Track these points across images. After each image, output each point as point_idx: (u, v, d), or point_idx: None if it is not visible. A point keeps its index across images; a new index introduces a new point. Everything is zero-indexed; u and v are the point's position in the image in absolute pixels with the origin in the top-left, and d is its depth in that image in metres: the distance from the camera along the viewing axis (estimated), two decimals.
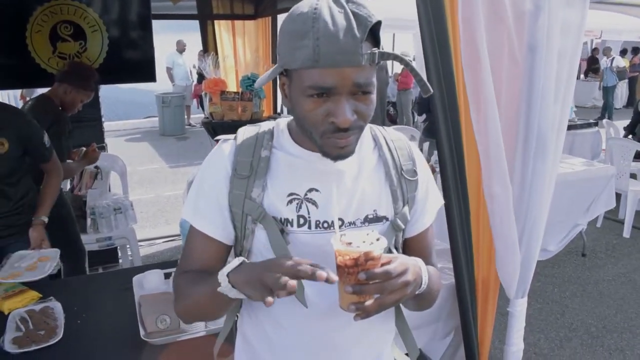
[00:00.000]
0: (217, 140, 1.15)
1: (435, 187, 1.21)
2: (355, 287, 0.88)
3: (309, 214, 1.05)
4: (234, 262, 0.95)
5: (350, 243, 0.89)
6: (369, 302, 0.90)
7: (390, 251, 1.12)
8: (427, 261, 1.19)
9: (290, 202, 1.05)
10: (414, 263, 1.00)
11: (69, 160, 3.10)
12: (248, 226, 1.06)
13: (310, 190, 1.05)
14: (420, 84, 0.98)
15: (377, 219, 1.10)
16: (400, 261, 0.94)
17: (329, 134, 0.95)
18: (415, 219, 1.17)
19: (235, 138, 1.10)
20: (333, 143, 0.96)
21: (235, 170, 1.06)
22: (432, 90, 1.00)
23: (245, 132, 1.11)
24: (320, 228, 1.05)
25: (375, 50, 0.91)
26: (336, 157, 0.99)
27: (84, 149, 3.28)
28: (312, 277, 0.85)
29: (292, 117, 1.07)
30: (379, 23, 0.91)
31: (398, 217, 1.12)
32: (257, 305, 1.14)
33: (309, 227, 1.05)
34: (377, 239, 0.91)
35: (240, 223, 1.07)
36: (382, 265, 0.91)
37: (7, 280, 1.92)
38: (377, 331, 1.20)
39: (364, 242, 0.90)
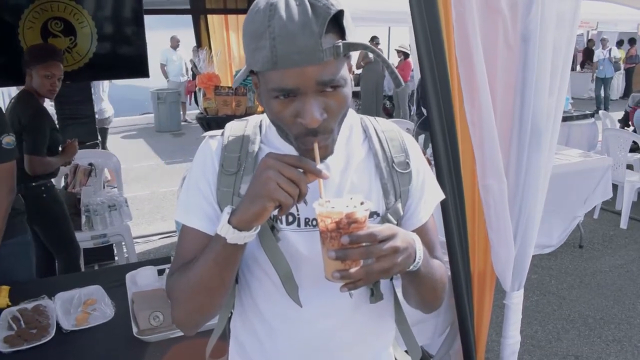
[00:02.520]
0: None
1: (433, 180, 1.15)
2: (338, 252, 0.83)
3: (297, 211, 1.01)
4: (226, 210, 0.90)
5: (333, 208, 0.85)
6: (353, 270, 0.84)
7: None
8: (430, 256, 1.15)
9: None
10: (406, 232, 0.93)
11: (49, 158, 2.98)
12: None
13: None
14: (392, 75, 0.94)
15: None
16: (388, 225, 0.89)
17: (299, 136, 0.91)
18: (410, 214, 1.10)
19: (222, 134, 1.07)
20: (304, 147, 0.92)
21: (222, 167, 1.02)
22: (403, 84, 0.96)
23: (233, 128, 1.08)
24: (309, 226, 1.02)
25: (339, 42, 0.85)
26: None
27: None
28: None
29: None
30: (341, 12, 0.85)
31: (389, 212, 1.06)
32: (248, 307, 1.11)
33: (298, 225, 1.02)
34: (361, 203, 0.86)
35: None
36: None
37: (80, 327, 1.86)
38: (374, 332, 1.16)
39: (347, 206, 0.85)
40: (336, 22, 0.86)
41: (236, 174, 1.02)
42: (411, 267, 0.94)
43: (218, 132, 1.09)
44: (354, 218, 0.84)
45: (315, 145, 0.90)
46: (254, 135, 1.05)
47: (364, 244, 0.84)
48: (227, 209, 0.90)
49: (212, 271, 0.94)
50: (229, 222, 0.88)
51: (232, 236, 0.88)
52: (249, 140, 1.05)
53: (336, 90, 0.89)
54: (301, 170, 0.85)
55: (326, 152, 0.95)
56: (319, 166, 0.89)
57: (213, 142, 1.07)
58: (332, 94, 0.89)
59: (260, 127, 1.08)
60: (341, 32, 0.87)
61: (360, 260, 0.85)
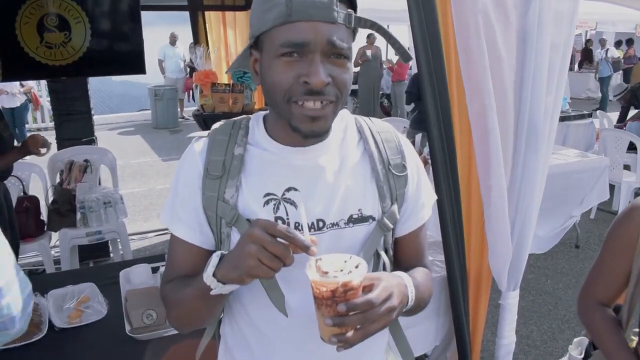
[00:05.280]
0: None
1: (427, 181, 1.13)
2: (335, 320, 0.81)
3: (287, 215, 0.98)
4: (213, 260, 0.90)
5: (326, 272, 0.82)
6: (350, 333, 0.83)
7: (378, 254, 1.06)
8: (419, 262, 1.14)
9: (267, 202, 0.98)
10: (399, 282, 0.93)
11: None
12: (223, 230, 1.00)
13: (289, 189, 0.98)
14: (400, 51, 0.94)
15: (362, 219, 1.02)
16: (383, 286, 0.86)
17: (299, 96, 0.88)
18: (406, 218, 1.08)
19: (208, 135, 1.04)
20: (303, 112, 0.89)
21: (207, 171, 0.99)
22: (412, 57, 0.97)
23: (219, 129, 1.04)
24: (299, 230, 0.97)
25: (352, 12, 0.88)
26: (307, 133, 0.91)
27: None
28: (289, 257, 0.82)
29: (269, 110, 1.01)
30: None
31: (386, 217, 1.03)
32: (237, 312, 1.09)
33: None
34: (357, 266, 0.83)
35: (215, 227, 1.00)
36: (364, 289, 0.84)
37: (72, 324, 1.86)
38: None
39: (341, 270, 0.82)
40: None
41: (220, 177, 0.99)
42: (403, 310, 0.95)
43: (204, 133, 1.06)
44: (350, 286, 0.81)
45: (303, 210, 0.88)
46: (240, 136, 1.02)
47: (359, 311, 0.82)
48: (214, 259, 0.90)
49: (198, 304, 0.97)
50: (214, 274, 0.88)
51: (216, 289, 0.89)
52: (235, 141, 1.01)
53: (342, 59, 0.89)
54: (287, 243, 0.83)
55: (321, 126, 0.92)
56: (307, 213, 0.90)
57: (198, 144, 1.04)
58: (338, 62, 0.89)
59: (247, 127, 1.04)
60: (352, 7, 0.90)
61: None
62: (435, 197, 1.16)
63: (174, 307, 1.02)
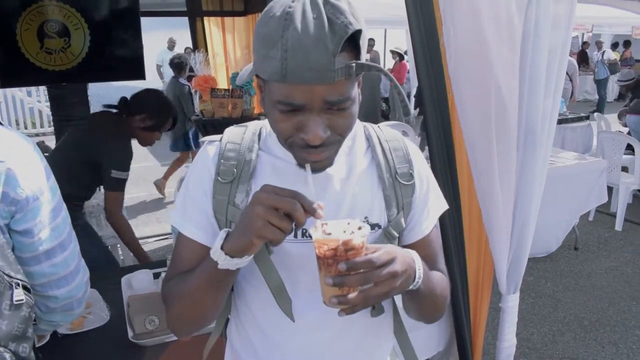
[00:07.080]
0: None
1: (436, 190, 1.13)
2: (335, 279, 0.82)
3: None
4: (221, 235, 0.89)
5: (330, 234, 0.83)
6: (352, 295, 0.83)
7: None
8: (432, 268, 1.12)
9: None
10: (405, 253, 0.92)
11: None
12: None
13: None
14: (402, 104, 0.92)
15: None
16: (386, 250, 0.86)
17: (298, 148, 0.89)
18: (412, 226, 1.09)
19: (220, 140, 1.05)
20: (305, 157, 0.90)
21: (218, 175, 1.01)
22: (411, 113, 0.94)
23: (231, 134, 1.06)
24: (306, 237, 1.00)
25: (353, 63, 0.82)
26: (311, 170, 0.93)
27: None
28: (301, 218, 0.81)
29: None
30: (358, 32, 0.81)
31: (391, 225, 1.04)
32: (243, 315, 1.10)
33: (295, 236, 1.00)
34: (359, 228, 0.84)
35: None
36: (366, 254, 0.85)
37: (75, 331, 1.84)
38: (372, 343, 1.13)
39: (344, 231, 0.84)
40: (352, 41, 0.82)
41: (232, 182, 1.00)
42: (411, 287, 0.94)
43: (217, 137, 1.07)
44: (351, 245, 0.82)
45: (309, 175, 0.89)
46: (252, 142, 1.03)
47: (362, 270, 0.83)
48: (222, 234, 0.90)
49: (203, 291, 0.95)
50: (221, 247, 0.88)
51: (224, 262, 0.88)
52: (247, 147, 1.03)
53: (343, 109, 0.87)
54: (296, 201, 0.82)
55: (323, 165, 0.93)
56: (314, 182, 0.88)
57: (211, 148, 1.05)
58: (338, 113, 0.87)
59: (259, 134, 1.06)
60: (356, 51, 0.84)
61: (359, 285, 0.84)
62: (446, 207, 1.15)
63: (176, 302, 1.00)
